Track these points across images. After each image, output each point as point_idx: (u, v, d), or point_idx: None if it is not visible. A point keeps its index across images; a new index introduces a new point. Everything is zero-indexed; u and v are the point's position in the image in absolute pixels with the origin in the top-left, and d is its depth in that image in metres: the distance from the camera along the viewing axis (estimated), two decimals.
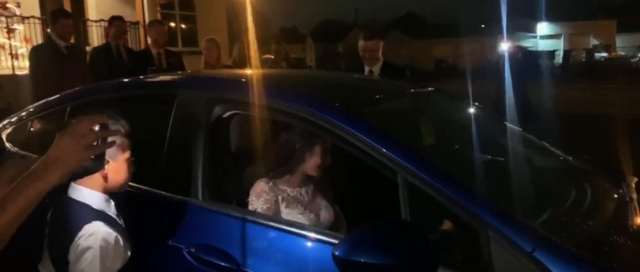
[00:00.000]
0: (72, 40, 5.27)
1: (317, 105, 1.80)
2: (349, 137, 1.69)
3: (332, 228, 1.96)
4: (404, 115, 2.29)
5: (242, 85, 2.11)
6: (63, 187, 1.56)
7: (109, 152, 1.52)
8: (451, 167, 1.78)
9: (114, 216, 1.59)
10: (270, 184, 1.94)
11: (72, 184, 1.56)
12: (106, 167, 1.51)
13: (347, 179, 2.24)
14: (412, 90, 2.60)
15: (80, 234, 1.45)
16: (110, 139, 1.17)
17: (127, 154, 1.60)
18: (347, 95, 2.12)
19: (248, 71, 3.35)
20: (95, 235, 1.45)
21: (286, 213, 1.91)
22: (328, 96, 1.96)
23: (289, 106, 1.84)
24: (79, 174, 1.14)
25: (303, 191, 1.98)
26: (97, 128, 1.09)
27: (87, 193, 1.54)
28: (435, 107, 2.54)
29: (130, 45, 9.33)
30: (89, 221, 1.48)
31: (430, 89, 2.59)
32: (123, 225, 1.61)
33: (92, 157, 1.09)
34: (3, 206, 0.99)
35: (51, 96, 2.60)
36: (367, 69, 3.88)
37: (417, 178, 1.55)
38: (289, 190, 1.96)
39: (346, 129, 1.69)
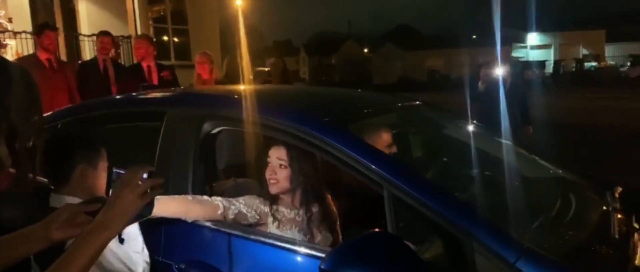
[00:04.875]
0: (64, 57, 5.33)
1: (305, 120, 1.83)
2: (336, 151, 1.71)
3: None
4: (391, 129, 2.32)
5: (231, 101, 2.14)
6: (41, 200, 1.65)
7: (92, 161, 1.66)
8: (436, 179, 1.82)
9: None
10: (263, 200, 1.94)
11: (53, 194, 1.63)
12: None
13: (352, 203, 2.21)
14: (400, 104, 2.64)
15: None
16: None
17: (105, 163, 1.73)
18: (335, 110, 2.15)
19: (238, 87, 3.39)
20: None
21: (277, 232, 1.90)
22: (316, 111, 1.99)
23: (277, 122, 1.87)
24: (133, 220, 1.21)
25: (301, 212, 1.95)
26: (145, 176, 1.16)
27: (70, 201, 1.58)
28: (422, 120, 2.58)
29: (122, 59, 9.40)
30: None
31: (418, 102, 2.63)
32: None
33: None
34: (77, 253, 1.06)
35: None
36: None
37: (401, 191, 1.58)
38: (285, 210, 1.95)
39: (333, 144, 1.72)
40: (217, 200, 1.86)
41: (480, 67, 4.64)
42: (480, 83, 4.48)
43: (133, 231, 1.73)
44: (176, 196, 1.83)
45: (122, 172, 1.19)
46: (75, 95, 5.10)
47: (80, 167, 1.70)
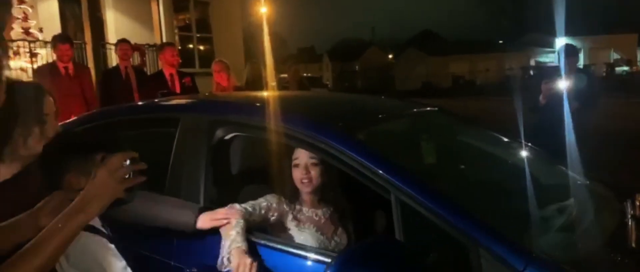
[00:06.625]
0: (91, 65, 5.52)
1: (314, 127, 1.85)
2: (345, 157, 1.72)
3: None
4: (403, 134, 2.31)
5: (242, 108, 2.17)
6: None
7: (83, 170, 1.55)
8: (446, 186, 1.80)
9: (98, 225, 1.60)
10: (284, 200, 1.98)
11: None
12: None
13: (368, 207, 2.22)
14: (415, 109, 2.64)
15: None
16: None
17: None
18: (346, 117, 2.16)
19: (250, 94, 3.42)
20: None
21: (296, 231, 1.95)
22: (326, 118, 2.01)
23: (287, 128, 1.89)
24: (116, 205, 1.21)
25: (319, 212, 2.00)
26: (127, 162, 1.17)
27: None
28: (436, 126, 2.56)
29: (148, 67, 9.61)
30: None
31: (432, 108, 2.62)
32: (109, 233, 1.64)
33: (126, 189, 1.18)
34: (49, 237, 1.08)
35: None
36: None
37: (408, 196, 1.57)
38: (304, 209, 2.00)
39: (342, 150, 1.73)
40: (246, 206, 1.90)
41: (542, 81, 4.32)
42: (541, 97, 4.22)
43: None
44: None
45: None
46: (91, 101, 5.28)
47: (70, 176, 1.57)
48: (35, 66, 8.07)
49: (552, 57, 45.07)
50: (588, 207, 2.00)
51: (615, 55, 44.41)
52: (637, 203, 2.14)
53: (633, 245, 1.78)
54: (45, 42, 8.33)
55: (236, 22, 13.37)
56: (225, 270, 1.71)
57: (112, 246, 1.56)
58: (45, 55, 8.25)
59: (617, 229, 1.91)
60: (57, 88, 4.90)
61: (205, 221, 1.82)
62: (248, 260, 1.67)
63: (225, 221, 1.80)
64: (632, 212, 2.01)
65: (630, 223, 1.91)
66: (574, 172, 2.44)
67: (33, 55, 8.09)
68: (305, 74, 27.89)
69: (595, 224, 1.90)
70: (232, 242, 1.72)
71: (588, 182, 2.37)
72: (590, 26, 47.27)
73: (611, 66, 39.08)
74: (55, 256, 1.10)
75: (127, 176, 1.17)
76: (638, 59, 43.60)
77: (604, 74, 36.56)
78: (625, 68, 39.39)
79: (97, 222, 1.61)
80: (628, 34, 45.24)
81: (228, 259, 1.71)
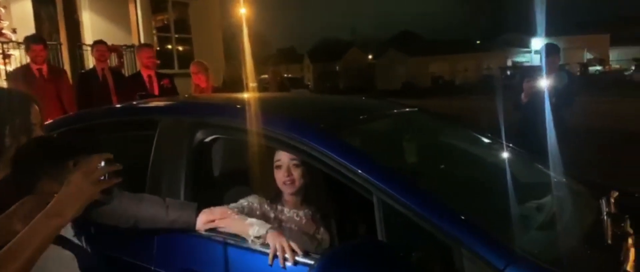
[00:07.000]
0: (67, 67, 5.41)
1: (294, 128, 1.84)
2: (326, 158, 1.72)
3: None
4: (383, 135, 2.32)
5: (222, 109, 2.15)
6: None
7: (56, 176, 1.48)
8: (429, 185, 1.82)
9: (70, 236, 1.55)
10: (265, 201, 1.97)
11: None
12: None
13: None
14: (395, 110, 2.65)
15: None
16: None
17: None
18: (327, 118, 2.15)
19: (231, 95, 3.40)
20: None
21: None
22: (306, 119, 2.00)
23: (268, 130, 1.88)
24: (92, 207, 1.21)
25: (301, 213, 2.00)
26: (102, 164, 1.17)
27: None
28: (416, 126, 2.58)
29: (126, 68, 9.47)
30: None
31: (411, 109, 2.63)
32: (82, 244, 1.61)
33: (102, 191, 1.18)
34: (24, 242, 1.07)
35: None
36: None
37: (390, 197, 1.58)
38: (286, 210, 1.99)
39: (322, 151, 1.73)
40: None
41: (523, 79, 4.39)
42: (523, 95, 4.28)
43: None
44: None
45: None
46: (68, 104, 5.17)
47: (42, 182, 1.48)
48: (8, 68, 7.88)
49: (528, 57, 45.98)
50: (565, 204, 2.04)
51: (588, 55, 45.47)
52: (612, 200, 2.20)
53: (609, 242, 1.82)
54: (19, 43, 8.14)
55: (215, 23, 13.28)
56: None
57: (75, 264, 1.52)
58: (18, 57, 8.06)
59: (593, 226, 1.95)
60: (31, 91, 4.80)
61: (203, 220, 1.81)
62: (286, 241, 1.66)
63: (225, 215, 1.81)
64: (607, 209, 2.06)
65: (606, 220, 1.95)
66: (553, 170, 2.49)
67: (6, 56, 7.90)
68: (286, 75, 27.89)
69: (573, 221, 1.94)
70: (260, 226, 1.72)
71: (565, 179, 2.41)
72: (565, 26, 48.28)
73: (585, 66, 39.96)
74: (32, 261, 1.08)
75: (102, 178, 1.17)
76: (610, 59, 44.72)
77: (578, 74, 37.31)
78: (598, 67, 40.36)
79: (69, 232, 1.57)
80: (601, 34, 46.39)
81: (257, 238, 1.70)
